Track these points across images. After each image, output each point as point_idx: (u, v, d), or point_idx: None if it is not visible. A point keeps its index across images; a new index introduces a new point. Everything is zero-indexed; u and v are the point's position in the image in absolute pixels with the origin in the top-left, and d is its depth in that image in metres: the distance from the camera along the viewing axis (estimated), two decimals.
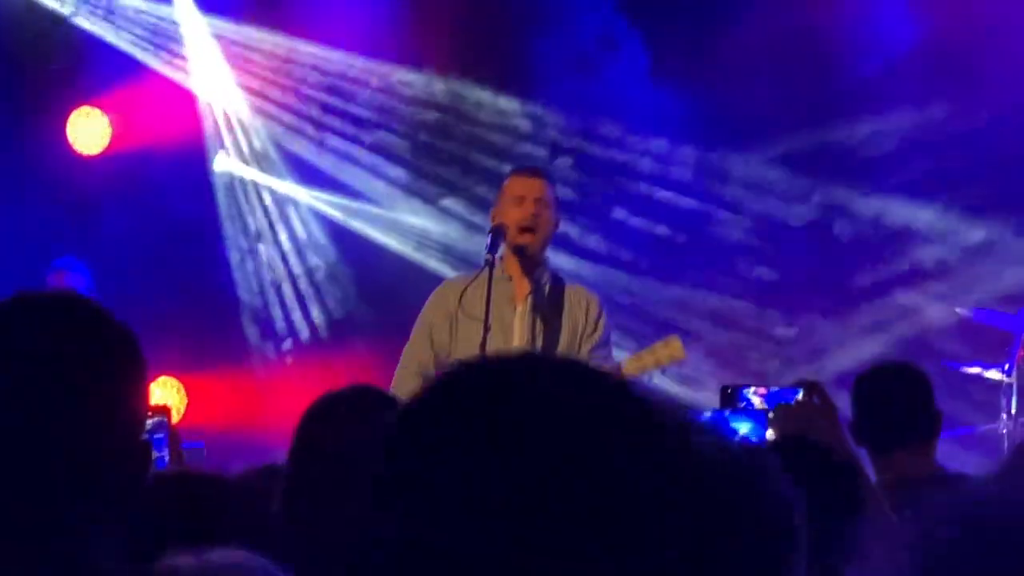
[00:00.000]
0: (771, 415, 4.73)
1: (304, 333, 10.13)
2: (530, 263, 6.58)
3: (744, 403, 4.97)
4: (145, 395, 2.15)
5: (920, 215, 9.37)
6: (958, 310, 8.49)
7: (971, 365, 7.94)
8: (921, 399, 5.04)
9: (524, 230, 6.50)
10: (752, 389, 5.04)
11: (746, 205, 9.62)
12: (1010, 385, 7.71)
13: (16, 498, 2.03)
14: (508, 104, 9.96)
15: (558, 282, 6.70)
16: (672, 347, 6.46)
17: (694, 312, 9.63)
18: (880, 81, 9.28)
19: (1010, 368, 7.69)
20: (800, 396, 4.62)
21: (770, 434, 4.78)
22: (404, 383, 6.51)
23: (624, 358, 6.61)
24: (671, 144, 9.67)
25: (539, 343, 6.55)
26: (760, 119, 9.44)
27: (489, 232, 6.54)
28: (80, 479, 2.05)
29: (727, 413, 4.85)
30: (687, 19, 9.49)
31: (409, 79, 10.02)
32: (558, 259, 7.78)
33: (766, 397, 4.91)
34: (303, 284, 10.14)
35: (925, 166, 9.27)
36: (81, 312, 2.15)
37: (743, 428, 4.81)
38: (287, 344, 10.11)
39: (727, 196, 9.64)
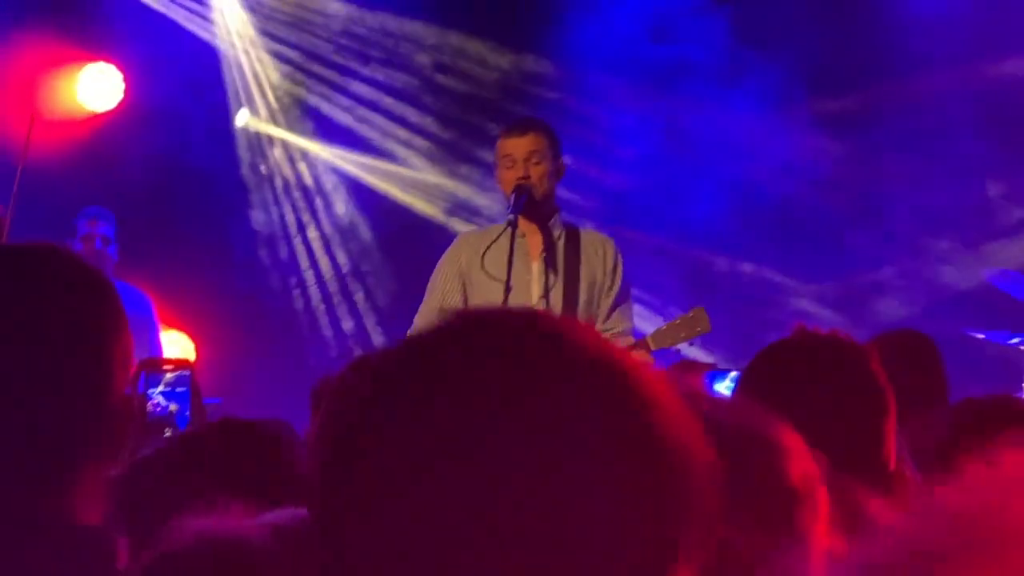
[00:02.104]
0: None
1: (320, 287, 10.12)
2: (541, 218, 6.56)
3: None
4: (125, 348, 2.09)
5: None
6: (982, 273, 8.46)
7: (993, 333, 7.92)
8: (927, 366, 5.01)
9: (520, 187, 6.49)
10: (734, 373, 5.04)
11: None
12: None
13: None
14: (525, 62, 9.92)
15: (572, 230, 6.68)
16: (699, 320, 6.45)
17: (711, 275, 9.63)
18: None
19: None
20: None
21: None
22: None
23: (650, 333, 6.59)
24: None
25: (557, 299, 6.54)
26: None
27: (512, 192, 6.53)
28: (54, 434, 2.01)
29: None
30: None
31: (430, 35, 9.98)
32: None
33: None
34: (320, 238, 10.12)
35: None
36: (56, 262, 2.11)
37: None
38: (308, 287, 10.10)
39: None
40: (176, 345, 9.75)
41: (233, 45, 10.09)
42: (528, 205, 6.48)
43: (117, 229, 7.94)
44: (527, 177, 6.47)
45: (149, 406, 5.15)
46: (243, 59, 10.10)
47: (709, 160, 9.48)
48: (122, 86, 9.96)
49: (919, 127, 9.21)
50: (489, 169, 9.45)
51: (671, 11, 9.47)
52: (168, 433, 5.13)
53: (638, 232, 9.59)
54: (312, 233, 10.13)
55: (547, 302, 6.53)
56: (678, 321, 6.52)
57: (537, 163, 6.50)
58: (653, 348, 6.38)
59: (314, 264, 10.14)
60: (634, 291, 6.76)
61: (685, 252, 9.68)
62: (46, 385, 2.01)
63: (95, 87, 9.96)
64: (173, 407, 5.19)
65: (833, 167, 9.41)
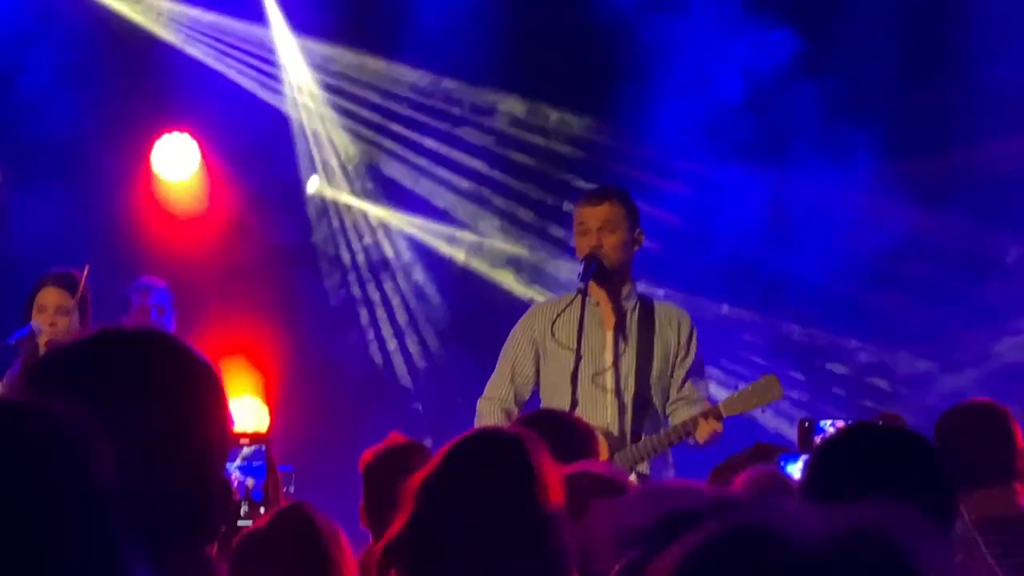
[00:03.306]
0: None
1: (394, 354, 10.13)
2: (614, 288, 6.58)
3: (821, 435, 4.94)
4: (226, 430, 2.11)
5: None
6: None
7: None
8: (1002, 438, 4.98)
9: (596, 256, 6.50)
10: (830, 422, 5.00)
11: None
12: None
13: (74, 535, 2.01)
14: (592, 127, 9.93)
15: (647, 303, 6.68)
16: (771, 387, 6.43)
17: (779, 343, 9.57)
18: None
19: None
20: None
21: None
22: (485, 415, 6.58)
23: (722, 399, 6.57)
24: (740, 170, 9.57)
25: (629, 368, 6.54)
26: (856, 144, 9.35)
27: (582, 260, 6.55)
28: (160, 515, 2.00)
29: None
30: None
31: (499, 101, 10.01)
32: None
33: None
34: (391, 305, 10.15)
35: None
36: (159, 344, 2.13)
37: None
38: (378, 353, 10.11)
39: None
40: (250, 412, 9.79)
41: (303, 111, 10.15)
42: (599, 274, 6.50)
43: (173, 297, 7.94)
44: (599, 246, 6.49)
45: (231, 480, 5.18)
46: (313, 125, 10.17)
47: (806, 230, 9.43)
48: (198, 155, 10.05)
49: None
50: (562, 237, 9.49)
51: (757, 79, 9.43)
52: (244, 508, 5.17)
53: (727, 303, 9.59)
54: (382, 300, 10.15)
55: (617, 371, 6.54)
56: (750, 388, 6.50)
57: (611, 232, 6.52)
58: (725, 415, 6.38)
59: (382, 330, 10.16)
60: (731, 365, 6.72)
61: (783, 325, 9.63)
62: (151, 468, 2.03)
63: (171, 156, 10.06)
64: (250, 482, 5.21)
65: (928, 234, 9.32)
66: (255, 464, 5.24)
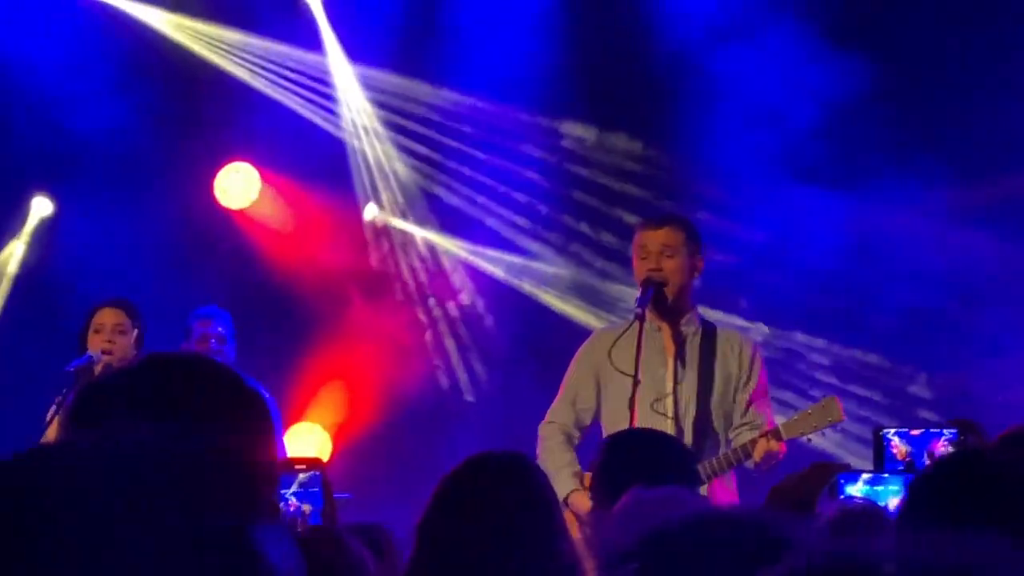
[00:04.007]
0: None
1: (454, 382, 10.13)
2: (673, 313, 6.55)
3: (886, 444, 4.87)
4: (272, 453, 2.11)
5: None
6: None
7: None
8: None
9: (654, 281, 6.48)
10: (892, 430, 4.93)
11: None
12: None
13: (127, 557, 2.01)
14: (654, 154, 9.91)
15: (709, 328, 6.65)
16: (830, 409, 6.38)
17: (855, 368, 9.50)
18: None
19: None
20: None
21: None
22: (547, 440, 6.58)
23: (781, 422, 6.53)
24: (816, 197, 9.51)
25: (690, 394, 6.51)
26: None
27: (641, 285, 6.54)
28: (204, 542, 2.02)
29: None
30: None
31: (560, 128, 10.01)
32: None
33: (914, 439, 4.81)
34: (451, 332, 10.15)
35: None
36: (205, 371, 2.14)
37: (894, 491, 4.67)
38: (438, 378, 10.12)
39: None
40: (311, 438, 9.82)
41: (360, 138, 10.19)
42: (658, 299, 6.48)
43: (234, 327, 7.96)
44: (659, 269, 6.47)
45: (282, 507, 5.20)
46: (370, 152, 10.20)
47: (882, 257, 9.37)
48: (259, 184, 10.11)
49: None
50: (621, 263, 9.46)
51: (827, 105, 9.38)
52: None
53: (801, 330, 9.54)
54: (440, 326, 10.15)
55: (677, 396, 6.51)
56: (809, 411, 6.45)
57: (670, 257, 6.50)
58: (785, 437, 6.33)
59: (439, 356, 10.16)
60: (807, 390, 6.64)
61: (858, 351, 9.57)
62: (198, 495, 2.03)
63: (232, 185, 10.12)
64: (306, 507, 5.23)
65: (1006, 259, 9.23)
66: (311, 490, 5.26)
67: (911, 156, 9.16)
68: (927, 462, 4.61)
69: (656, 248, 6.50)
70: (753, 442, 6.32)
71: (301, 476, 5.28)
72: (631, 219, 9.32)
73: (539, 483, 3.66)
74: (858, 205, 9.34)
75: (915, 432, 4.81)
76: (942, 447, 4.70)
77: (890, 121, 9.30)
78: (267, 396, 7.75)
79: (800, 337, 9.57)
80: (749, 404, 6.54)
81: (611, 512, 3.93)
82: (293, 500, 5.24)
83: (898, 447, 4.79)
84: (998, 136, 9.22)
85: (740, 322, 9.41)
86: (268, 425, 2.14)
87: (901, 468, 4.68)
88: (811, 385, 9.34)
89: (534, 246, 10.01)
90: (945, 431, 4.69)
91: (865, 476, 4.79)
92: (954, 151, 9.20)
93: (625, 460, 4.86)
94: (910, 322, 9.25)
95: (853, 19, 9.45)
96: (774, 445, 6.27)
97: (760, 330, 9.45)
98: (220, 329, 7.84)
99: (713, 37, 9.48)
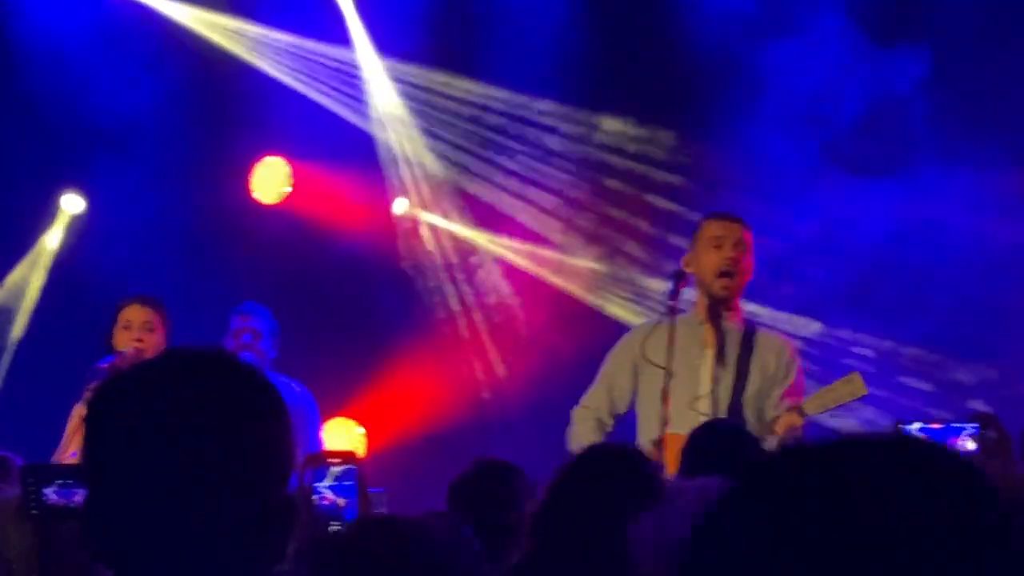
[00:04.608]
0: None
1: (487, 376, 10.12)
2: (724, 308, 6.52)
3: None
4: (285, 450, 2.11)
5: None
6: None
7: None
8: None
9: (723, 274, 6.44)
10: (917, 424, 4.89)
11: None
12: None
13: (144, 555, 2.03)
14: (672, 142, 9.88)
15: (751, 327, 6.62)
16: (854, 384, 6.33)
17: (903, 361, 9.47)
18: None
19: None
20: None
21: None
22: (578, 424, 6.58)
23: (805, 398, 6.49)
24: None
25: (727, 390, 6.48)
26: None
27: (670, 278, 6.50)
28: (219, 537, 2.01)
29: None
30: None
31: (591, 121, 9.99)
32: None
33: (936, 432, 4.78)
34: (484, 326, 10.14)
35: None
36: (220, 366, 2.12)
37: None
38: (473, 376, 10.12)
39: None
40: (346, 434, 9.82)
41: (391, 132, 10.18)
42: (710, 297, 6.45)
43: (274, 324, 7.93)
44: (737, 261, 6.44)
45: (316, 500, 5.20)
46: (400, 146, 10.19)
47: (931, 247, 9.33)
48: (291, 179, 10.13)
49: None
50: (654, 256, 9.43)
51: (870, 97, 9.34)
52: (336, 526, 5.19)
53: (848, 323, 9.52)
54: (472, 320, 10.14)
55: (713, 390, 6.48)
56: (833, 385, 6.41)
57: (744, 253, 6.48)
58: (808, 412, 6.28)
59: (476, 351, 10.15)
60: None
61: (908, 344, 9.54)
62: (208, 489, 2.03)
63: (267, 180, 10.16)
64: (341, 501, 5.23)
65: None
66: (346, 484, 5.26)
67: (958, 146, 9.11)
68: None
69: (734, 240, 6.47)
70: (775, 419, 6.30)
71: (335, 469, 5.29)
72: (669, 210, 9.31)
73: (649, 473, 3.64)
74: (906, 195, 9.28)
75: (937, 426, 4.78)
76: (963, 441, 4.68)
77: (937, 111, 9.25)
78: (303, 391, 7.82)
79: (845, 330, 9.54)
80: (783, 398, 6.49)
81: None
82: (328, 493, 5.25)
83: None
84: None
85: (784, 315, 9.42)
86: (282, 419, 2.14)
87: None
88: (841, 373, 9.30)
89: (567, 240, 9.99)
90: (968, 425, 4.65)
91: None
92: (1004, 139, 9.14)
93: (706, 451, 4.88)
94: (961, 312, 9.19)
95: (895, 10, 9.39)
96: (796, 419, 6.23)
97: (806, 325, 9.44)
98: (256, 324, 7.82)
99: (753, 31, 9.44)
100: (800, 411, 6.26)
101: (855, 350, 9.47)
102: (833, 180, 9.34)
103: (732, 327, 6.55)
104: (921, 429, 4.80)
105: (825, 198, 9.37)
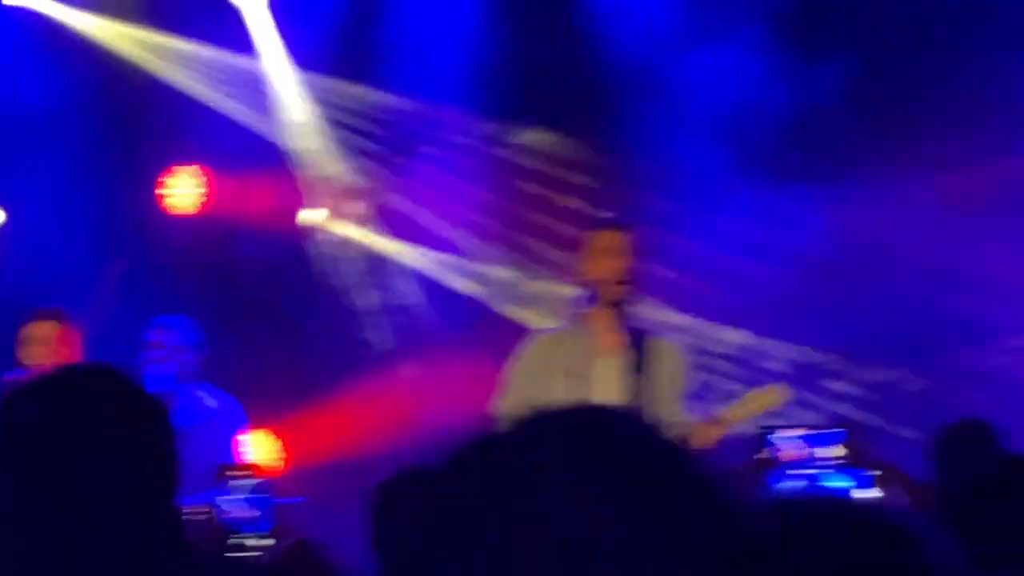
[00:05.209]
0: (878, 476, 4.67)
1: (397, 380, 10.12)
2: (619, 316, 6.54)
3: (769, 448, 4.88)
4: (168, 462, 2.10)
5: None
6: None
7: None
8: (989, 454, 4.93)
9: (618, 283, 6.45)
10: (782, 433, 4.92)
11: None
12: None
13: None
14: (583, 152, 9.92)
15: (644, 334, 6.64)
16: (773, 394, 6.36)
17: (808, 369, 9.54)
18: None
19: None
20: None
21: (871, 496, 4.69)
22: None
23: (726, 408, 6.52)
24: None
25: (626, 397, 6.50)
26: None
27: (582, 286, 6.51)
28: (102, 553, 2.01)
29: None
30: None
31: (504, 131, 10.01)
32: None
33: (806, 439, 4.82)
34: (394, 333, 10.14)
35: None
36: (101, 382, 2.12)
37: (841, 487, 4.68)
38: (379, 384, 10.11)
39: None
40: (263, 446, 9.79)
41: (301, 143, 10.18)
42: (607, 303, 6.46)
43: (196, 336, 7.88)
44: (627, 271, 6.45)
45: (218, 513, 5.18)
46: (311, 157, 10.19)
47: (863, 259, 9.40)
48: (204, 190, 10.11)
49: None
50: (567, 261, 9.46)
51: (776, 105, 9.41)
52: (237, 540, 5.16)
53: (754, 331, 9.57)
54: (386, 329, 10.14)
55: (614, 398, 6.50)
56: (751, 395, 6.44)
57: (634, 260, 6.50)
58: (728, 422, 6.30)
59: (389, 358, 10.15)
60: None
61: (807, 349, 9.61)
62: (95, 507, 2.02)
63: (180, 190, 10.13)
64: (252, 513, 5.22)
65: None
66: (255, 496, 5.25)
67: (882, 153, 9.19)
68: (816, 463, 4.65)
69: (623, 249, 6.48)
70: (693, 428, 6.30)
71: (245, 482, 5.28)
72: (583, 219, 9.34)
73: None
74: (830, 203, 9.34)
75: (803, 432, 4.84)
76: (831, 448, 4.74)
77: (861, 119, 9.35)
78: (226, 401, 7.78)
79: (770, 339, 9.61)
80: (676, 406, 6.53)
81: None
82: (231, 507, 5.23)
83: (787, 449, 4.81)
84: (972, 127, 9.24)
85: (708, 324, 9.48)
86: (165, 434, 2.13)
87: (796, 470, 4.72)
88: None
89: (476, 248, 10.01)
90: (836, 431, 4.71)
91: (801, 471, 4.80)
92: (928, 146, 9.20)
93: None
94: (887, 318, 9.26)
95: (819, 20, 9.45)
96: (716, 431, 6.24)
97: (730, 334, 9.50)
98: (169, 338, 7.77)
99: (674, 41, 9.50)
100: (720, 422, 6.29)
101: (778, 358, 9.53)
102: (755, 189, 9.39)
103: (627, 334, 6.57)
104: (792, 437, 4.84)
105: (747, 207, 9.42)
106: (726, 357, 9.59)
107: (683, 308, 9.55)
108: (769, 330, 9.58)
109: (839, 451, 4.70)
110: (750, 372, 9.35)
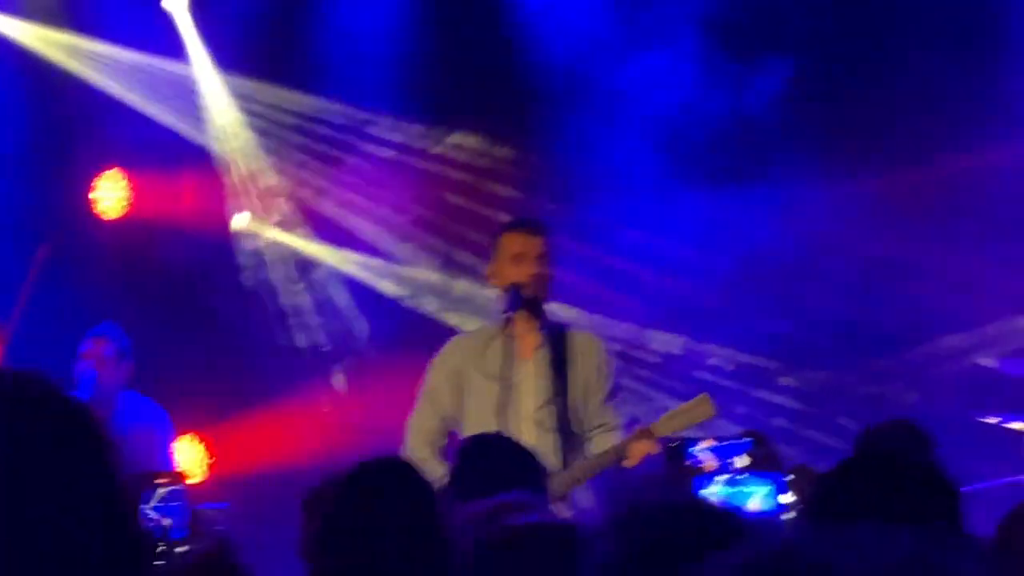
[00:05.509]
0: (791, 479, 4.72)
1: (324, 386, 10.11)
2: (534, 318, 6.57)
3: (691, 460, 4.93)
4: (99, 470, 2.08)
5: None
6: (982, 361, 8.39)
7: (997, 416, 7.88)
8: (918, 454, 4.99)
9: (529, 286, 6.49)
10: (699, 445, 4.99)
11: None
12: None
13: None
14: (510, 155, 9.95)
15: (563, 331, 6.68)
16: (703, 406, 6.41)
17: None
18: None
19: None
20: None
21: (786, 498, 4.75)
22: (412, 451, 6.56)
23: (654, 421, 6.55)
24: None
25: (552, 398, 6.52)
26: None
27: (506, 290, 6.53)
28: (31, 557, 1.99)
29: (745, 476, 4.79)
30: None
31: (432, 134, 10.02)
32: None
33: (716, 451, 4.88)
34: (322, 338, 10.13)
35: None
36: (25, 392, 2.12)
37: (761, 492, 4.74)
38: (313, 392, 10.10)
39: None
40: (189, 453, 9.76)
41: (229, 148, 10.16)
42: (526, 304, 6.49)
43: (127, 345, 7.89)
44: (539, 275, 6.48)
45: (148, 520, 5.19)
46: (240, 161, 10.17)
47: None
48: (130, 194, 10.07)
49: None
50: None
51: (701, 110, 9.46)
52: (160, 547, 5.17)
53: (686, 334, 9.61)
54: (313, 333, 10.13)
55: (539, 401, 6.53)
56: (682, 408, 6.48)
57: (546, 264, 6.52)
58: (657, 436, 6.34)
59: (316, 364, 10.14)
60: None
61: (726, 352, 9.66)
62: (24, 516, 2.01)
63: (107, 195, 10.08)
64: (167, 521, 5.23)
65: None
66: (172, 504, 5.26)
67: (819, 157, 9.25)
68: (731, 472, 4.71)
69: (536, 253, 6.50)
70: (626, 444, 6.34)
71: (161, 490, 5.28)
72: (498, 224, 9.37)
73: (419, 484, 3.64)
74: (766, 206, 9.40)
75: (715, 443, 4.91)
76: (740, 458, 4.80)
77: (797, 122, 9.41)
78: (155, 410, 7.79)
79: (705, 344, 9.65)
80: (603, 405, 6.57)
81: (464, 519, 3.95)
82: (153, 514, 5.24)
83: (707, 460, 4.87)
84: (909, 127, 9.31)
85: (640, 329, 9.51)
86: (94, 442, 2.12)
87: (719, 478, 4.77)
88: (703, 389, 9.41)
89: (403, 251, 10.02)
90: (741, 442, 4.78)
91: (722, 478, 4.86)
92: (864, 149, 9.27)
93: (475, 468, 4.93)
94: (823, 321, 9.32)
95: (755, 24, 9.50)
96: (652, 446, 6.28)
97: (665, 340, 9.55)
98: (103, 350, 7.80)
99: (607, 46, 9.53)
100: (649, 435, 6.31)
101: (714, 363, 9.58)
102: (692, 192, 9.44)
103: (546, 335, 6.60)
104: (705, 448, 4.91)
105: (684, 211, 9.46)
106: (660, 363, 9.64)
107: (616, 315, 9.60)
108: (707, 335, 9.63)
109: (745, 460, 4.77)
110: (686, 378, 9.40)
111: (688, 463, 4.90)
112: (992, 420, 7.88)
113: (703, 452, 4.86)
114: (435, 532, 3.35)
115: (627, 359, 9.30)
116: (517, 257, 6.50)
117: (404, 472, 3.51)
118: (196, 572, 3.62)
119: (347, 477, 3.49)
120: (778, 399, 9.47)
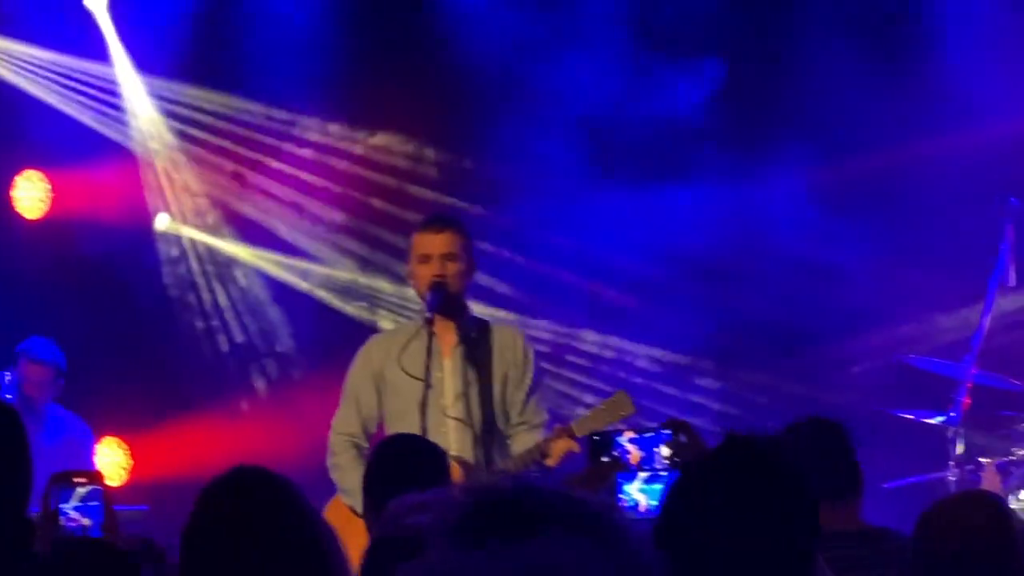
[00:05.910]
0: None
1: (247, 388, 10.08)
2: (453, 316, 6.59)
3: (618, 451, 4.95)
4: (16, 475, 2.08)
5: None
6: (904, 359, 8.45)
7: (911, 413, 7.96)
8: (838, 453, 5.02)
9: (443, 282, 6.51)
10: (624, 436, 5.02)
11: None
12: (956, 433, 7.71)
13: None
14: (435, 156, 9.95)
15: (484, 327, 6.70)
16: (622, 403, 6.44)
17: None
18: None
19: (956, 416, 7.68)
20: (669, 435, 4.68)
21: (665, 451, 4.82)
22: (338, 456, 6.58)
23: (573, 420, 6.58)
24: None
25: (474, 396, 6.54)
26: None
27: (429, 289, 6.54)
28: None
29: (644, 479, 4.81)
30: None
31: (354, 135, 10.01)
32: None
33: (638, 442, 4.91)
34: (244, 340, 10.09)
35: None
36: None
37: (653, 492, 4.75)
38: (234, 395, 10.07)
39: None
40: (109, 455, 9.70)
41: (151, 148, 10.11)
42: (444, 303, 6.51)
43: (62, 362, 7.97)
44: (443, 275, 6.49)
45: (62, 521, 5.13)
46: (161, 162, 10.13)
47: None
48: (50, 194, 10.00)
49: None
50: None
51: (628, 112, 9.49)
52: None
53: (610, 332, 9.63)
54: (236, 335, 10.10)
55: (461, 398, 6.55)
56: (602, 406, 6.52)
57: (453, 261, 6.53)
58: (577, 435, 6.37)
59: (238, 365, 10.11)
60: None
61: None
62: None
63: (26, 195, 10.01)
64: (86, 521, 5.18)
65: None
66: (91, 504, 5.21)
67: (750, 156, 9.31)
68: (657, 464, 4.74)
69: (439, 252, 6.52)
70: (548, 442, 6.37)
71: (80, 490, 5.22)
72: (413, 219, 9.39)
73: (290, 496, 3.64)
74: (694, 205, 9.43)
75: (632, 435, 4.94)
76: (661, 448, 4.85)
77: (728, 122, 9.48)
78: (77, 422, 7.79)
79: (627, 341, 9.69)
80: (526, 401, 6.59)
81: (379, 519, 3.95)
82: (73, 514, 5.19)
83: (632, 452, 4.88)
84: (839, 126, 9.37)
85: (563, 328, 9.54)
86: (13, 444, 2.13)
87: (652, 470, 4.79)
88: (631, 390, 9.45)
89: (327, 252, 10.00)
90: (664, 432, 4.81)
91: (642, 475, 4.86)
92: (796, 147, 9.31)
93: (385, 469, 4.97)
94: (759, 315, 9.37)
95: (685, 23, 9.52)
96: (573, 445, 6.31)
97: (585, 336, 9.58)
98: (33, 376, 7.90)
99: (534, 45, 9.55)
100: (570, 433, 6.34)
101: (641, 364, 9.62)
102: (619, 191, 9.47)
103: (468, 332, 6.62)
104: (632, 439, 4.94)
105: (610, 210, 9.49)
106: (588, 365, 9.67)
107: (544, 316, 9.62)
108: (634, 335, 9.66)
109: (665, 451, 4.80)
110: (614, 379, 9.43)
111: (616, 453, 4.92)
112: (908, 416, 7.96)
113: (628, 443, 4.87)
114: (300, 535, 3.38)
115: (555, 361, 9.34)
116: (423, 258, 6.54)
117: (256, 481, 3.53)
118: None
119: (198, 497, 3.55)
120: (704, 399, 9.52)
